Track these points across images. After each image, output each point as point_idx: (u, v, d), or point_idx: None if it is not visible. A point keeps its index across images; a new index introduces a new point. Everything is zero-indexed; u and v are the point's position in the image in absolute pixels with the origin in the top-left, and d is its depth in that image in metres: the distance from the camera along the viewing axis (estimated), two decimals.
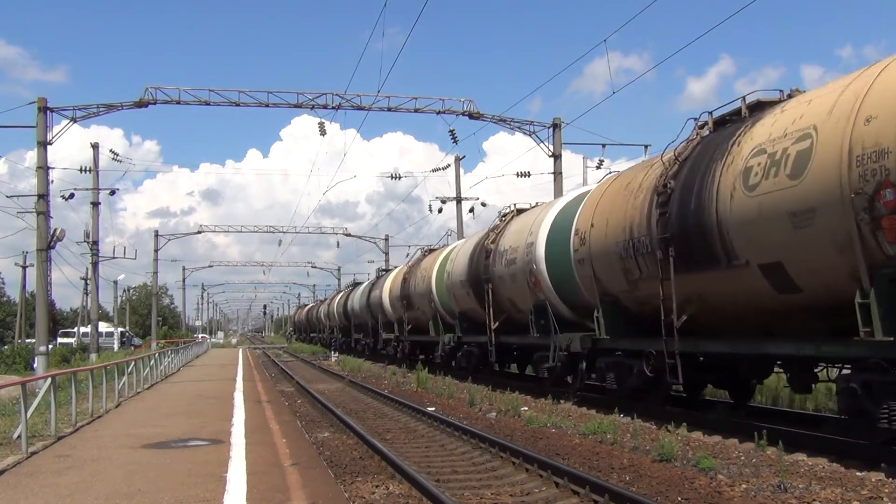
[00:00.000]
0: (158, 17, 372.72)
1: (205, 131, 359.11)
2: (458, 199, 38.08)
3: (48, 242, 26.84)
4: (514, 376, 22.94)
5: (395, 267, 39.07)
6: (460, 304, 23.18)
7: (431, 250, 31.02)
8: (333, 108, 27.84)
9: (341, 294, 55.65)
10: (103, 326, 54.82)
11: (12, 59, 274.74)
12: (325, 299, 70.66)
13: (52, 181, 27.40)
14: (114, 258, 45.88)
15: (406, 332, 30.88)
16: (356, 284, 50.12)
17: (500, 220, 21.12)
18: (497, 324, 19.83)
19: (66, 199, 32.64)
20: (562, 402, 15.76)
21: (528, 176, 32.08)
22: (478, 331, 21.81)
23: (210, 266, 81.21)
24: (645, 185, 12.56)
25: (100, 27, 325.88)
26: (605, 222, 13.65)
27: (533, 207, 20.02)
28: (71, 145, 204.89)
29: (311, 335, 75.35)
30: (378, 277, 40.23)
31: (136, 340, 70.78)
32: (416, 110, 28.55)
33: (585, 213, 14.73)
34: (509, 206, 21.14)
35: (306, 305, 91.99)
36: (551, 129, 27.99)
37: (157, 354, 26.96)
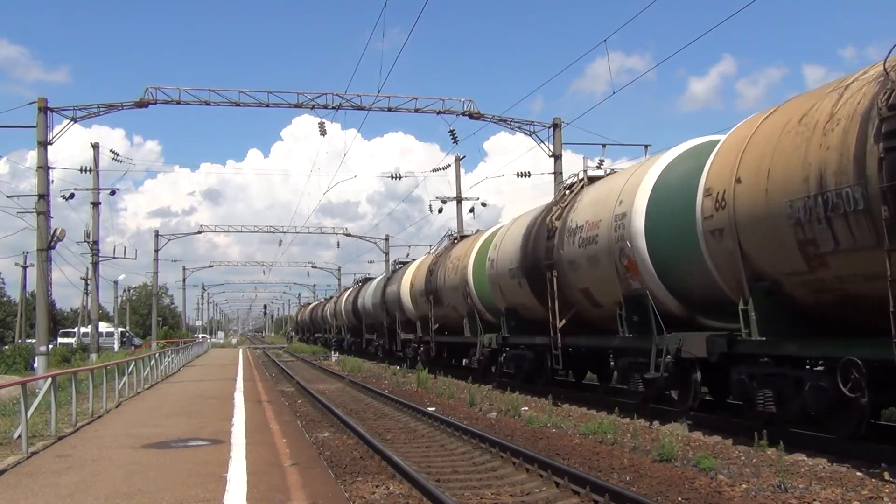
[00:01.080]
0: (159, 18, 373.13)
1: (206, 131, 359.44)
2: (459, 199, 38.07)
3: (48, 242, 26.82)
4: (587, 387, 18.68)
5: (413, 259, 34.80)
6: (508, 297, 19.44)
7: (463, 237, 27.39)
8: (333, 108, 27.83)
9: (350, 290, 51.11)
10: (103, 326, 54.82)
11: (14, 59, 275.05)
12: (331, 297, 66.45)
13: (53, 181, 27.35)
14: (114, 258, 45.81)
15: (432, 333, 26.96)
16: (367, 279, 46.35)
17: (568, 191, 17.35)
18: (563, 321, 16.03)
19: (67, 199, 32.64)
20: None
21: (529, 176, 32.06)
22: (530, 330, 18.27)
23: (210, 266, 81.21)
24: (843, 112, 8.65)
25: (102, 27, 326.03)
26: (764, 174, 9.59)
27: (609, 174, 16.39)
28: (73, 145, 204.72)
29: (316, 336, 71.27)
30: (394, 270, 36.03)
31: (137, 340, 70.82)
32: (416, 110, 28.53)
33: (723, 164, 10.61)
34: (576, 174, 17.45)
35: (309, 304, 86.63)
36: (551, 129, 27.97)
37: (157, 354, 26.95)
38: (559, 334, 16.12)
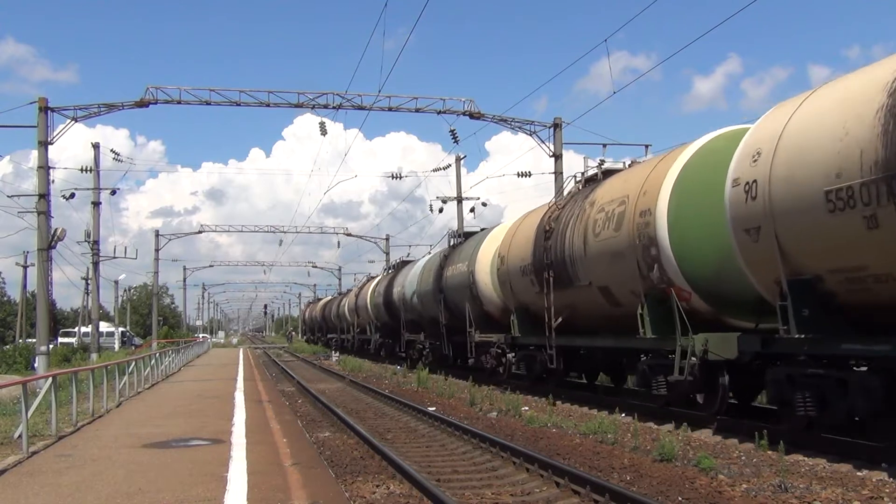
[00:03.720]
0: (163, 18, 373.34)
1: (208, 130, 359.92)
2: (459, 199, 38.07)
3: (49, 242, 26.84)
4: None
5: (483, 229, 24.76)
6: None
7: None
8: (334, 107, 27.86)
9: (378, 279, 41.26)
10: (104, 326, 54.87)
11: (21, 58, 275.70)
12: (349, 290, 55.33)
13: (54, 181, 27.42)
14: (114, 258, 45.87)
15: (552, 334, 16.46)
16: (404, 263, 36.73)
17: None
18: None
19: (67, 199, 32.69)
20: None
21: (529, 176, 32.06)
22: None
23: (211, 266, 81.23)
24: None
25: (110, 26, 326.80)
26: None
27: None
28: (76, 145, 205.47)
29: (330, 337, 59.43)
30: (453, 247, 25.75)
31: (137, 340, 70.87)
32: (416, 110, 28.56)
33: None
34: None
35: (320, 299, 75.36)
36: (552, 129, 27.98)
37: (157, 354, 26.96)
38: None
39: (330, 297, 68.02)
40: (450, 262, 25.00)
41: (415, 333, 30.53)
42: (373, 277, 46.02)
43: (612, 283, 13.88)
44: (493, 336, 20.61)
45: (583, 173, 16.78)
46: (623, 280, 13.38)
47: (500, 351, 20.05)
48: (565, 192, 17.53)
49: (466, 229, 25.44)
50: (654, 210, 12.37)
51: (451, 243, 26.22)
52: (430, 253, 32.38)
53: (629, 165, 15.46)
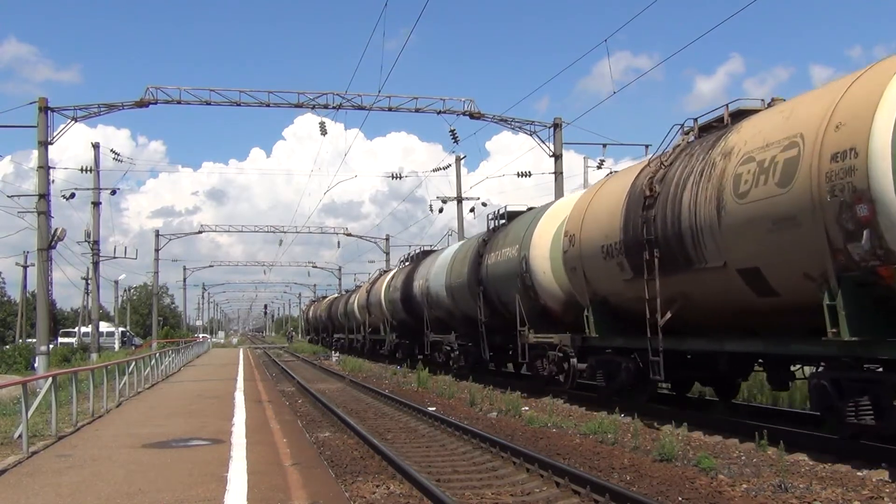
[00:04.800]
0: (164, 18, 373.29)
1: (209, 130, 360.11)
2: (459, 199, 38.10)
3: (49, 242, 26.86)
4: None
5: (530, 208, 20.98)
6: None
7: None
8: (334, 107, 27.88)
9: (392, 273, 36.58)
10: (104, 326, 54.90)
11: (24, 58, 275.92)
12: (358, 286, 49.72)
13: (54, 181, 27.48)
14: (114, 258, 45.96)
15: (658, 334, 12.55)
16: (425, 253, 32.17)
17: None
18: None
19: (67, 199, 32.74)
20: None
21: (529, 176, 32.09)
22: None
23: (211, 266, 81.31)
24: None
25: (112, 26, 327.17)
26: None
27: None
28: (77, 145, 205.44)
29: (337, 337, 54.00)
30: (495, 229, 21.58)
31: (137, 340, 70.88)
32: (416, 110, 28.58)
33: None
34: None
35: (325, 297, 69.45)
36: (552, 128, 27.99)
37: (157, 354, 26.96)
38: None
39: (336, 295, 63.14)
40: (491, 248, 20.71)
41: (442, 333, 26.26)
42: (386, 271, 41.19)
43: (767, 263, 9.92)
44: (554, 336, 16.67)
45: (695, 120, 12.60)
46: (790, 257, 9.46)
47: (560, 355, 16.45)
48: (667, 147, 13.02)
49: (511, 209, 21.50)
50: (866, 148, 8.33)
51: (492, 225, 21.78)
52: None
53: (769, 104, 11.28)
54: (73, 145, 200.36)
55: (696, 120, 12.66)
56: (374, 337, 39.94)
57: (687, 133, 12.77)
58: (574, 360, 15.97)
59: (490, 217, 22.03)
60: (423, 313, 27.81)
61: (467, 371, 22.89)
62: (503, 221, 21.43)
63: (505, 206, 21.68)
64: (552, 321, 17.44)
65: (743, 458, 9.51)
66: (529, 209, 20.77)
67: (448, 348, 25.19)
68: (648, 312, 12.35)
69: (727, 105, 11.93)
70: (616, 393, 14.51)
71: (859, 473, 8.35)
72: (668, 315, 12.13)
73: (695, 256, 11.21)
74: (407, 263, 34.38)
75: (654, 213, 12.24)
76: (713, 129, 12.10)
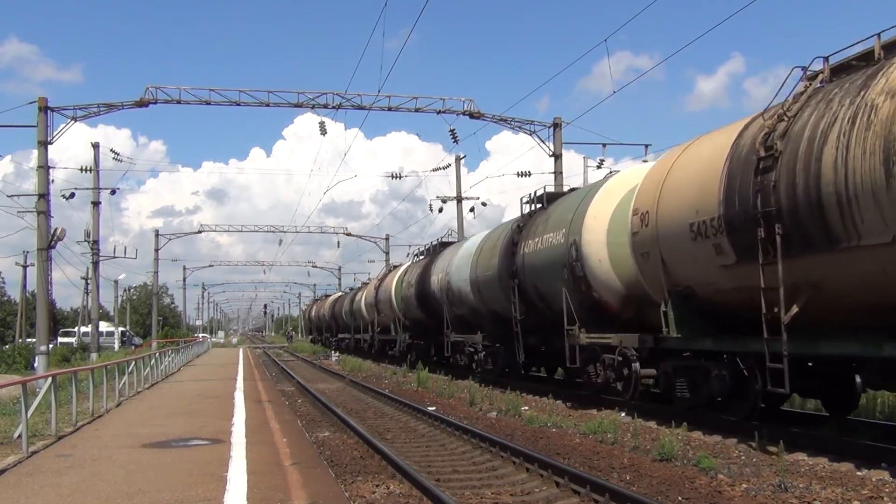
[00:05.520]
0: (165, 18, 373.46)
1: (209, 130, 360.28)
2: (459, 199, 38.10)
3: (49, 242, 26.86)
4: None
5: (571, 189, 19.69)
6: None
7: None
8: (334, 107, 27.89)
9: (404, 268, 33.88)
10: (104, 326, 54.88)
11: (25, 57, 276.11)
12: (364, 283, 47.04)
13: (54, 181, 27.51)
14: (114, 257, 46.01)
15: (784, 334, 9.79)
16: (444, 244, 29.26)
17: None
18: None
19: (67, 199, 32.76)
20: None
21: (529, 175, 32.10)
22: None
23: (211, 266, 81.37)
24: None
25: (113, 26, 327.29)
26: None
27: None
28: (78, 145, 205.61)
29: (342, 337, 51.26)
30: (532, 214, 18.83)
31: (137, 340, 70.89)
32: (416, 110, 28.58)
33: None
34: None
35: (328, 296, 66.00)
36: (552, 128, 28.00)
37: (157, 354, 26.96)
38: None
39: (341, 293, 60.09)
40: (528, 235, 17.90)
41: (465, 333, 23.38)
42: (397, 266, 37.95)
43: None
44: (612, 337, 14.15)
45: (826, 59, 10.05)
46: None
47: (620, 359, 13.85)
48: (782, 98, 10.20)
49: (550, 191, 19.19)
50: None
51: (527, 209, 19.01)
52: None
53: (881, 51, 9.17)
54: (73, 145, 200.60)
55: (826, 59, 9.99)
56: (383, 337, 37.34)
57: (812, 78, 10.08)
58: (637, 366, 13.35)
59: (525, 200, 19.21)
60: (441, 311, 25.13)
61: (495, 376, 20.63)
62: (539, 206, 18.58)
63: (543, 187, 18.97)
64: (607, 318, 14.88)
65: (743, 457, 9.51)
66: (571, 190, 18.72)
67: (471, 350, 22.57)
68: (765, 306, 9.70)
69: (878, 35, 9.29)
70: (708, 406, 12.10)
71: (859, 473, 8.35)
72: (795, 310, 9.52)
73: (842, 231, 8.60)
74: (421, 257, 31.59)
75: (773, 177, 9.53)
76: (853, 69, 9.56)
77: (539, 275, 17.05)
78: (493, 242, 20.82)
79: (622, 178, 15.33)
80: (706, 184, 10.85)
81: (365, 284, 45.97)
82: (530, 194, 19.18)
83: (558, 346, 16.31)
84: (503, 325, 19.42)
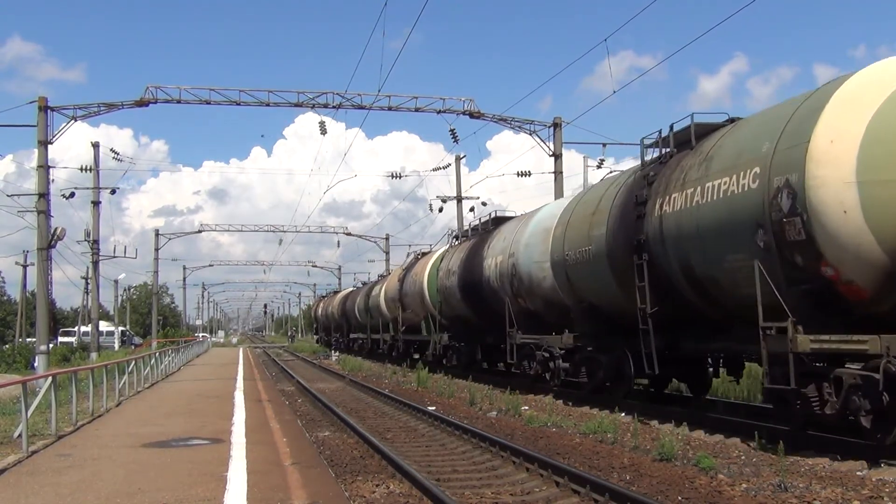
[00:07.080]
0: (166, 18, 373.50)
1: (210, 129, 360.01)
2: (459, 199, 38.10)
3: (49, 241, 26.87)
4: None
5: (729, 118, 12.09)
6: None
7: None
8: (334, 107, 27.90)
9: (438, 254, 28.48)
10: (104, 325, 54.90)
11: (28, 57, 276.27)
12: (382, 277, 42.22)
13: (54, 180, 27.54)
14: (114, 257, 45.97)
15: None
16: (499, 220, 22.81)
17: None
18: None
19: (67, 199, 32.74)
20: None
21: (529, 175, 32.09)
22: None
23: (211, 265, 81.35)
24: None
25: (117, 27, 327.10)
26: None
27: None
28: (79, 145, 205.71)
29: (354, 338, 46.79)
30: (661, 160, 12.88)
31: (137, 339, 70.91)
32: (416, 109, 28.58)
33: None
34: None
35: (337, 292, 60.76)
36: (552, 128, 27.99)
37: (157, 353, 26.95)
38: None
39: (352, 289, 53.21)
40: (670, 186, 12.04)
41: (535, 333, 18.10)
42: (426, 254, 31.88)
43: None
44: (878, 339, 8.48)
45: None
46: None
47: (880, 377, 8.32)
48: None
49: (701, 120, 12.33)
50: None
51: (657, 153, 13.16)
52: None
53: None
54: (75, 145, 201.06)
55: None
56: (409, 338, 31.47)
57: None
58: None
59: (647, 143, 13.39)
60: (501, 305, 19.64)
61: (590, 393, 15.37)
62: (671, 151, 12.65)
63: (686, 118, 12.38)
64: (844, 310, 9.24)
65: (743, 457, 9.51)
66: (731, 120, 11.97)
67: (545, 355, 17.09)
68: None
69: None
70: None
71: (859, 473, 8.35)
72: None
73: None
74: (464, 239, 25.63)
75: None
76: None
77: (695, 244, 11.25)
78: (590, 207, 15.10)
79: (882, 69, 9.43)
80: None
81: (383, 277, 40.37)
82: (658, 132, 12.95)
83: (715, 348, 12.27)
84: (602, 320, 14.78)
